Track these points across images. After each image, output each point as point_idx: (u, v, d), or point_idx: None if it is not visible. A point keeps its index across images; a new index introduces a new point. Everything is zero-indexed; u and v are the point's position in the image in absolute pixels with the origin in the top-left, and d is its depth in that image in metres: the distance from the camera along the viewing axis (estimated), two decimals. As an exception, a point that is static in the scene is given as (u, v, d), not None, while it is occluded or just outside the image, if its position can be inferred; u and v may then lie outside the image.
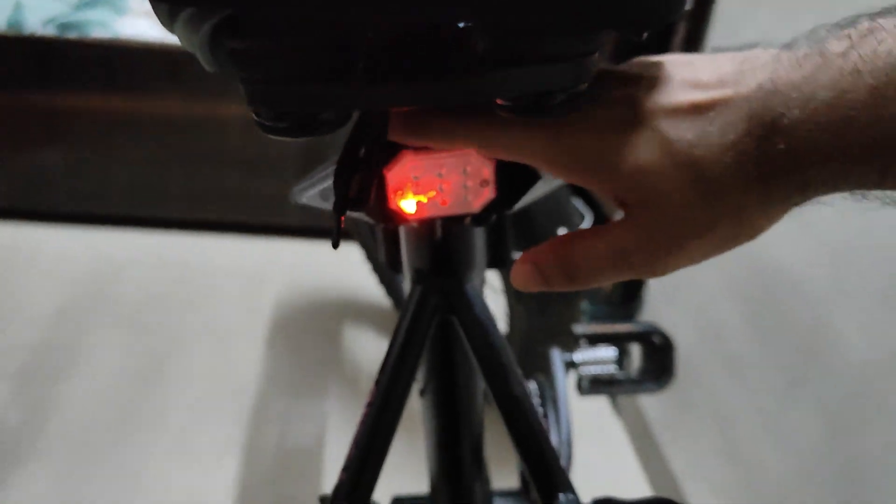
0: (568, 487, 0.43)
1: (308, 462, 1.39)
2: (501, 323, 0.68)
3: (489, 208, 0.43)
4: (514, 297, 1.17)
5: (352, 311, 1.77)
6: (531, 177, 0.42)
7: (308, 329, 1.71)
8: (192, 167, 1.91)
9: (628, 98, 0.34)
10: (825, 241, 1.00)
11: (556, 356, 0.91)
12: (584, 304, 1.53)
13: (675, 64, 0.35)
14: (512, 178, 0.42)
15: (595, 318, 1.55)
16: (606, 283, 0.37)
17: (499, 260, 0.63)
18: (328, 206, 0.45)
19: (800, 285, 1.05)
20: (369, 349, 1.66)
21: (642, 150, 0.33)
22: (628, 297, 1.61)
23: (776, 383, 1.09)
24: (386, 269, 1.47)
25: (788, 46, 0.32)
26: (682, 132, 0.32)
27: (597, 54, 0.34)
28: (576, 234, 0.37)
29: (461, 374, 0.59)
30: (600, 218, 1.39)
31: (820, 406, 1.00)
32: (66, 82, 1.79)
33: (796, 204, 0.32)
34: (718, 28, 1.31)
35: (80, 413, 1.43)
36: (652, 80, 0.35)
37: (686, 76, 0.34)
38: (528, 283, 0.38)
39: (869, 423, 0.91)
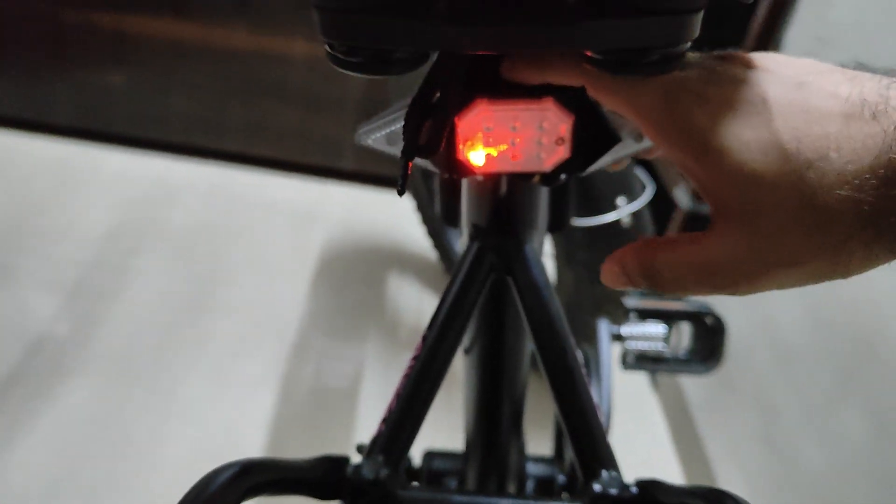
0: (612, 465, 0.42)
1: (342, 404, 1.40)
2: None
3: (561, 168, 0.41)
4: (565, 261, 1.15)
5: (398, 260, 1.77)
6: (610, 139, 0.40)
7: (353, 274, 1.72)
8: (253, 102, 1.91)
9: (757, 83, 0.31)
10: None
11: (604, 327, 0.89)
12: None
13: (812, 69, 0.32)
14: (589, 139, 0.40)
15: (645, 292, 1.52)
16: (690, 294, 0.36)
17: (557, 223, 0.61)
18: (394, 150, 0.43)
19: (866, 280, 1.01)
20: (412, 300, 1.66)
21: (757, 153, 0.30)
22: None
23: (827, 379, 1.06)
24: (437, 222, 1.46)
25: None
26: (805, 147, 0.29)
27: (702, 12, 0.31)
28: (662, 241, 0.35)
29: (509, 337, 0.57)
30: (661, 190, 1.35)
31: (870, 408, 0.96)
32: (136, 6, 1.80)
33: None
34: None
35: (124, 334, 1.47)
36: (785, 75, 0.32)
37: (824, 84, 0.31)
38: (614, 283, 0.38)
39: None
